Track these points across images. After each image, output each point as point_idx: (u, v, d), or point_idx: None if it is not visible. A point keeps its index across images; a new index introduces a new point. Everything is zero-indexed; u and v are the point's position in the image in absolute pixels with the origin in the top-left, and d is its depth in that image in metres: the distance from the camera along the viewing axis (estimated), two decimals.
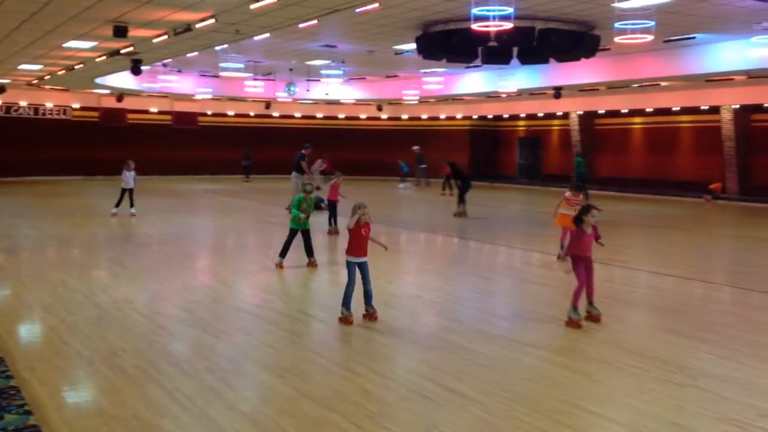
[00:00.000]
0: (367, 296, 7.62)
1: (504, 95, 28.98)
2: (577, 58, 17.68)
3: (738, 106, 26.23)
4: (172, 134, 35.09)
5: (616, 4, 13.19)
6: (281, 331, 7.43)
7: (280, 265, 10.71)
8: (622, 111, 30.51)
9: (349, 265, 7.57)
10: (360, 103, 35.37)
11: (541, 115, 34.45)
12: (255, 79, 27.62)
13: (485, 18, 12.41)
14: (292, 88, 29.17)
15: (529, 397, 5.46)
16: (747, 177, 26.75)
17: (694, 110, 28.03)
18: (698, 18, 15.33)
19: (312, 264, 10.87)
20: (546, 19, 15.35)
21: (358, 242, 7.52)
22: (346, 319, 7.49)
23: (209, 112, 36.11)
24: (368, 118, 38.60)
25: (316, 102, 34.80)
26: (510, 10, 12.36)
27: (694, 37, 17.86)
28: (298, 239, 10.78)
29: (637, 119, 31.07)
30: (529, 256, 13.34)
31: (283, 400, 5.34)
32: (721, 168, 27.11)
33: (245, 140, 35.39)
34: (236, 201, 23.77)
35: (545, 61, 18.27)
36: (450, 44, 16.18)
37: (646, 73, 21.19)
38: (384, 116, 38.02)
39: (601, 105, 30.75)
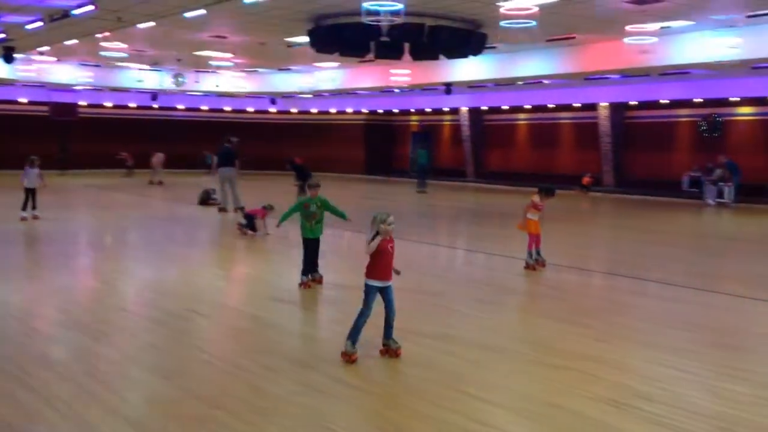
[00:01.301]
0: (389, 328, 6.23)
1: (397, 90, 29.36)
2: (466, 55, 18.18)
3: (613, 103, 27.80)
4: (49, 126, 33.17)
5: (501, 4, 13.65)
6: (166, 330, 7.20)
7: (306, 285, 8.89)
8: (508, 107, 31.65)
9: (370, 291, 6.10)
10: (252, 95, 34.79)
11: (429, 110, 35.19)
12: (141, 70, 26.59)
13: (376, 13, 12.53)
14: (180, 79, 28.28)
15: (417, 385, 5.56)
16: (622, 171, 28.42)
17: (574, 107, 29.46)
18: (577, 18, 16.12)
19: (317, 281, 9.04)
20: (435, 17, 15.67)
21: (384, 261, 6.09)
22: (349, 357, 6.00)
23: (89, 103, 34.40)
24: (258, 111, 38.00)
25: (207, 94, 33.91)
26: (400, 6, 12.54)
27: (573, 37, 18.77)
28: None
29: (522, 115, 32.32)
30: (422, 249, 13.60)
31: (168, 402, 5.18)
32: (598, 162, 28.66)
33: (129, 132, 34.03)
34: (119, 196, 22.81)
35: (435, 57, 18.65)
36: (342, 38, 16.22)
37: (530, 71, 22.09)
38: (275, 109, 37.56)
39: (490, 101, 31.75)
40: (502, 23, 14.97)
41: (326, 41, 16.82)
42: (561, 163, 30.68)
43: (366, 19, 13.67)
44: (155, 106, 34.46)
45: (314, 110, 37.99)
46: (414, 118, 37.50)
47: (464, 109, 33.25)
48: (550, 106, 30.03)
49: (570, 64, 20.68)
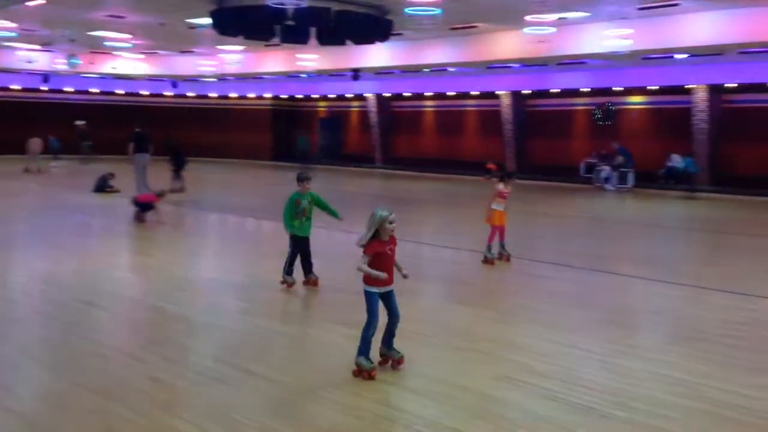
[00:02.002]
0: (391, 336, 5.60)
1: (304, 75, 29.05)
2: (372, 42, 18.20)
3: (514, 92, 28.58)
4: None
5: None
6: (59, 322, 6.85)
7: (289, 285, 8.25)
8: (415, 94, 31.97)
9: (372, 298, 5.41)
10: (152, 78, 33.51)
11: (337, 96, 35.07)
12: (31, 50, 25.09)
13: None
14: (73, 60, 26.88)
15: (327, 372, 5.54)
16: (524, 157, 29.33)
17: (477, 95, 30.11)
18: (479, 8, 16.43)
19: (312, 282, 8.32)
20: (342, 1, 15.58)
21: (384, 266, 5.40)
22: (368, 373, 5.32)
23: None
24: (154, 95, 36.67)
25: (103, 76, 32.39)
26: None
27: (475, 26, 19.14)
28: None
29: (429, 102, 32.76)
30: (331, 235, 13.55)
31: (61, 395, 4.94)
32: (501, 149, 29.46)
33: (11, 117, 32.09)
34: (7, 184, 21.52)
35: (342, 42, 18.56)
36: (246, 21, 15.85)
37: (435, 59, 22.38)
38: (173, 93, 36.32)
39: (397, 88, 31.96)
40: (407, 10, 15.06)
41: (230, 24, 16.40)
42: (466, 150, 31.33)
43: (271, 2, 13.40)
44: (44, 88, 32.58)
45: (215, 95, 37.04)
46: (322, 104, 37.28)
47: (371, 95, 33.33)
48: (455, 93, 30.55)
49: (472, 52, 21.09)
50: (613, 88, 25.87)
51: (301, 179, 8.14)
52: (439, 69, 25.39)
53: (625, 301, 8.46)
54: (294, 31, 16.22)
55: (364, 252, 5.34)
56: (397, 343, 6.59)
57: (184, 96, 36.99)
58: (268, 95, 36.64)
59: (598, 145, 25.93)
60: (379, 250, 5.33)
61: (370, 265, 5.32)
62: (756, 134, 23.05)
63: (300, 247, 8.16)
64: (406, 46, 22.30)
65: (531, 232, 14.42)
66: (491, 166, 28.10)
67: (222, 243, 12.69)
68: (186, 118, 36.31)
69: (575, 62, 22.21)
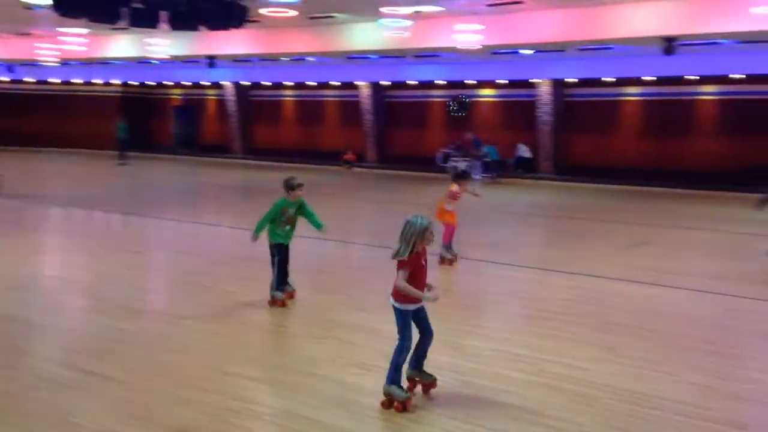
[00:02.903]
0: (423, 358, 4.98)
1: (157, 61, 27.78)
2: (227, 28, 17.70)
3: (372, 83, 28.95)
4: None
5: None
6: None
7: (282, 303, 7.21)
8: (274, 83, 31.55)
9: (404, 316, 4.80)
10: None
11: (192, 83, 33.90)
12: None
13: None
14: None
15: (174, 369, 5.36)
16: (383, 147, 29.84)
17: (337, 85, 30.23)
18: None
19: (290, 295, 7.39)
20: None
21: (420, 279, 4.82)
22: (403, 405, 4.68)
23: None
24: None
25: None
26: None
27: (333, 16, 19.16)
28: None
29: (288, 92, 32.45)
30: (183, 228, 13.11)
31: None
32: (362, 139, 29.79)
33: None
34: None
35: (195, 28, 17.90)
36: (90, 2, 14.89)
37: (293, 48, 22.18)
38: (9, 78, 33.50)
39: (255, 76, 31.37)
40: None
41: (72, 5, 15.31)
42: (327, 140, 31.38)
43: None
44: None
45: (57, 80, 34.57)
46: (176, 91, 35.87)
47: (229, 83, 32.51)
48: (315, 83, 30.48)
49: (331, 42, 21.11)
50: (466, 81, 26.88)
51: (295, 186, 7.17)
52: (299, 58, 25.21)
53: (476, 284, 8.85)
54: (142, 14, 15.43)
55: (400, 267, 4.70)
56: (250, 333, 6.47)
57: (21, 81, 34.23)
58: (116, 81, 34.69)
59: (453, 136, 26.86)
60: (417, 264, 4.75)
61: (401, 275, 4.71)
62: (592, 126, 24.85)
63: (283, 255, 7.26)
64: (263, 33, 21.92)
65: (391, 220, 14.68)
66: (350, 156, 28.39)
67: (66, 239, 11.91)
68: (25, 105, 33.64)
69: (430, 55, 22.84)
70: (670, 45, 16.53)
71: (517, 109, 26.41)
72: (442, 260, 9.50)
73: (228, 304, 7.31)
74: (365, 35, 20.05)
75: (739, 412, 4.81)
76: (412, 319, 4.85)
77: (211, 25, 17.34)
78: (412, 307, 4.81)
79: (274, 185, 20.92)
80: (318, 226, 7.51)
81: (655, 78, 22.79)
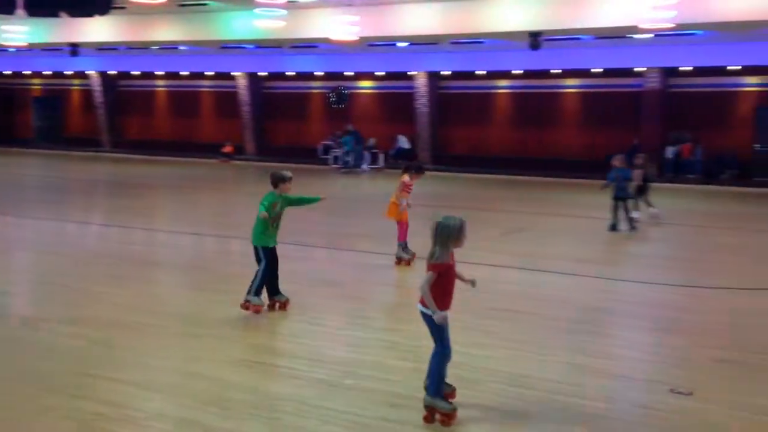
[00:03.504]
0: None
1: (13, 49, 25.81)
2: (90, 15, 16.72)
3: (250, 73, 28.35)
4: None
5: None
6: None
7: (256, 309, 6.59)
8: (144, 72, 30.19)
9: (446, 323, 4.49)
10: None
11: (53, 73, 31.83)
12: None
13: None
14: None
15: (40, 375, 5.00)
16: (263, 139, 29.34)
17: (213, 75, 29.36)
18: None
19: (282, 305, 6.79)
20: None
21: (449, 283, 4.50)
22: (449, 417, 4.37)
23: None
24: None
25: None
26: None
27: (206, 4, 18.55)
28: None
29: (160, 82, 31.16)
30: (46, 226, 12.27)
31: None
32: (240, 131, 29.14)
33: None
34: None
35: (54, 14, 16.77)
36: None
37: (163, 36, 21.29)
38: None
39: (123, 65, 29.87)
40: None
41: None
42: (203, 132, 30.45)
43: None
44: None
45: None
46: (36, 81, 33.52)
47: (94, 73, 30.76)
48: (189, 73, 29.45)
49: (204, 31, 20.44)
50: (345, 73, 26.89)
51: (286, 179, 6.78)
52: (170, 47, 24.21)
53: (358, 275, 8.85)
54: None
55: (432, 269, 4.39)
56: (122, 335, 6.18)
57: None
58: None
59: (334, 127, 26.82)
60: (450, 266, 4.44)
61: (437, 284, 4.40)
62: (467, 117, 25.62)
63: (276, 258, 6.74)
64: (131, 20, 20.86)
65: None
66: (228, 148, 27.70)
67: None
68: None
69: (308, 45, 22.64)
70: (536, 40, 17.27)
71: (396, 101, 26.75)
72: (399, 261, 9.07)
73: (98, 306, 6.90)
74: (240, 24, 19.57)
75: (605, 386, 5.09)
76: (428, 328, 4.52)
77: (73, 11, 16.31)
78: (445, 312, 4.47)
79: (143, 179, 20.06)
80: (315, 200, 7.25)
81: (523, 71, 23.75)
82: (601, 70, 22.47)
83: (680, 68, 21.58)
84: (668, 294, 7.95)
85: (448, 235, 4.36)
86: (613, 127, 22.96)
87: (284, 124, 28.96)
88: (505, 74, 24.42)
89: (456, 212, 14.11)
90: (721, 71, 21.19)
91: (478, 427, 4.41)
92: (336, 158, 25.44)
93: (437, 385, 4.42)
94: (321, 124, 28.23)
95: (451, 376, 5.15)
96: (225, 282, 8.17)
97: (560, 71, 23.20)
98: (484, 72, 24.49)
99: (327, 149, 26.04)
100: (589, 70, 22.71)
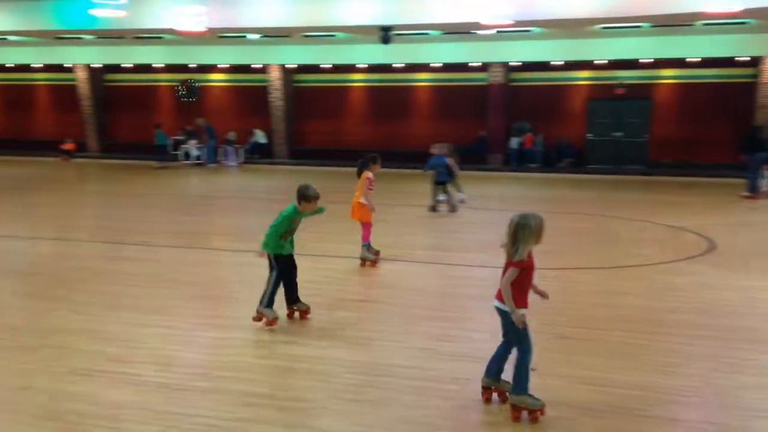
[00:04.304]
0: (503, 367, 4.65)
1: None
2: None
3: (90, 66, 26.68)
4: None
5: None
6: None
7: (271, 322, 6.12)
8: None
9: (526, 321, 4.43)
10: None
11: None
12: None
13: None
14: None
15: None
16: (106, 135, 27.72)
17: (52, 68, 27.35)
18: None
19: (304, 313, 6.45)
20: None
21: (528, 281, 4.47)
22: (539, 412, 4.37)
23: None
24: None
25: None
26: None
27: None
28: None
29: None
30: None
31: None
32: (81, 126, 27.36)
33: None
34: None
35: None
36: None
37: None
38: None
39: None
40: None
41: None
42: (39, 128, 28.31)
43: None
44: None
45: None
46: None
47: None
48: (15, 65, 27.21)
49: (33, 20, 18.96)
50: (195, 65, 25.96)
51: (312, 198, 6.40)
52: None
53: (214, 274, 8.57)
54: None
55: (514, 266, 4.35)
56: None
57: None
58: None
59: (184, 122, 25.84)
60: (531, 264, 4.39)
61: (517, 283, 4.37)
62: (322, 111, 25.63)
63: (288, 266, 6.37)
64: None
65: (111, 213, 13.68)
66: (68, 145, 25.94)
67: None
68: None
69: (154, 37, 21.63)
70: (386, 34, 17.58)
71: (250, 95, 26.22)
72: (364, 262, 8.78)
73: None
74: (75, 14, 18.31)
75: (459, 369, 5.24)
76: (504, 325, 4.51)
77: None
78: (524, 310, 4.42)
79: None
80: (321, 210, 6.76)
81: (374, 65, 24.07)
82: (449, 64, 23.23)
83: (520, 63, 22.81)
84: None
85: (529, 232, 4.33)
86: (462, 119, 23.87)
87: (129, 119, 27.53)
88: (358, 68, 24.66)
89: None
90: (556, 66, 22.65)
91: (333, 419, 4.39)
92: (187, 154, 24.58)
93: (525, 383, 4.37)
94: (171, 118, 27.11)
95: (300, 371, 5.12)
96: (62, 288, 7.61)
97: (410, 65, 23.75)
98: (336, 65, 24.57)
99: (177, 145, 25.06)
100: (437, 64, 23.44)
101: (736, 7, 14.61)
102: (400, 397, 4.69)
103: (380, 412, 4.47)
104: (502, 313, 4.47)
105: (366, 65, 24.23)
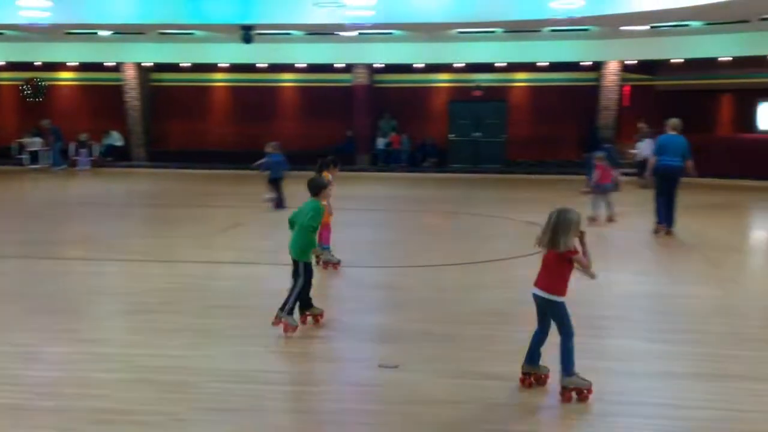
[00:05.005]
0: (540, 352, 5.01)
1: None
2: None
3: None
4: None
5: None
6: None
7: (293, 328, 5.99)
8: None
9: (564, 307, 4.81)
10: None
11: None
12: None
13: None
14: None
15: None
16: None
17: None
18: None
19: (317, 318, 6.31)
20: None
21: (570, 272, 4.84)
22: (586, 392, 4.71)
23: None
24: None
25: None
26: None
27: None
28: None
29: None
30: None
31: None
32: None
33: None
34: None
35: None
36: None
37: None
38: None
39: None
40: None
41: None
42: None
43: None
44: None
45: None
46: None
47: None
48: None
49: None
50: (40, 63, 24.19)
51: (326, 185, 6.45)
52: None
53: (64, 285, 8.01)
54: None
55: (572, 255, 4.72)
56: None
57: None
58: None
59: (30, 123, 24.04)
60: (574, 252, 4.75)
61: (560, 273, 4.78)
62: (183, 111, 24.77)
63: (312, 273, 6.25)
64: None
65: None
66: None
67: None
68: None
69: None
70: (247, 34, 17.29)
71: (104, 94, 24.79)
72: (326, 264, 8.56)
73: None
74: None
75: (319, 370, 5.23)
76: (541, 313, 4.91)
77: None
78: (563, 298, 4.80)
79: None
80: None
81: (237, 64, 23.53)
82: (313, 64, 23.15)
83: (384, 65, 23.19)
84: (380, 275, 8.49)
85: (571, 225, 4.68)
86: (329, 120, 23.92)
87: None
88: (220, 67, 24.05)
89: (174, 210, 13.77)
90: (418, 69, 23.23)
91: (196, 431, 4.24)
92: (33, 158, 22.91)
93: (572, 365, 4.70)
94: (15, 119, 25.17)
95: (156, 383, 4.90)
96: None
97: (274, 65, 23.45)
98: (197, 64, 23.77)
99: (22, 147, 23.29)
100: (302, 64, 23.32)
101: (578, 14, 15.66)
102: (266, 404, 4.62)
103: (244, 421, 4.38)
104: (544, 302, 4.81)
105: (228, 64, 23.66)
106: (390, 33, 20.10)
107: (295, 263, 6.16)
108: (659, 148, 11.15)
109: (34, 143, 23.05)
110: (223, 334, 6.07)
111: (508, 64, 22.36)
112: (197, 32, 20.01)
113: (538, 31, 19.35)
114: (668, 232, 11.01)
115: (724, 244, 10.54)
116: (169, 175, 21.64)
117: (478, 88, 23.43)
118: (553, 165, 22.39)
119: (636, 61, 21.67)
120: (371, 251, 10.02)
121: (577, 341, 4.73)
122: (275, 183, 13.55)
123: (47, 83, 25.17)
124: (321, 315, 6.36)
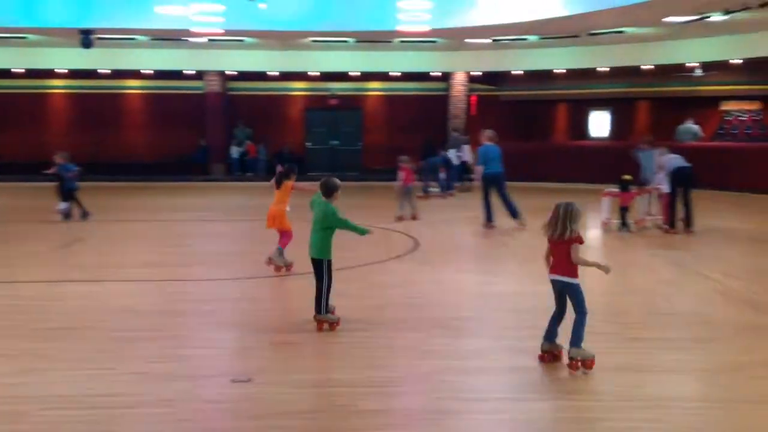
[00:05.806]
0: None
1: None
2: None
3: None
4: None
5: None
6: None
7: (334, 324, 6.27)
8: None
9: (581, 289, 5.35)
10: None
11: None
12: None
13: None
14: None
15: None
16: None
17: None
18: None
19: (334, 325, 6.29)
20: None
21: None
22: (591, 362, 5.26)
23: None
24: None
25: None
26: None
27: None
28: None
29: None
30: None
31: None
32: None
33: None
34: None
35: None
36: None
37: None
38: None
39: None
40: None
41: None
42: None
43: None
44: None
45: None
46: None
47: None
48: None
49: None
50: None
51: (339, 187, 6.43)
52: None
53: None
54: None
55: (577, 242, 5.25)
56: None
57: None
58: None
59: None
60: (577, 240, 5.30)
61: (572, 260, 5.28)
62: (16, 121, 22.99)
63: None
64: None
65: None
66: None
67: None
68: None
69: None
70: (86, 38, 16.35)
71: None
72: (279, 268, 8.66)
73: None
74: None
75: (169, 390, 4.98)
76: (559, 295, 5.39)
77: None
78: (578, 280, 5.31)
79: None
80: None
81: (77, 70, 22.12)
82: (161, 71, 22.28)
83: (237, 72, 22.76)
84: (232, 288, 8.28)
85: (575, 216, 5.25)
86: (180, 129, 23.13)
87: None
88: (57, 73, 22.53)
89: (6, 227, 12.68)
90: (273, 77, 23.02)
91: None
92: None
93: (581, 339, 5.20)
94: None
95: None
96: None
97: (118, 71, 22.31)
98: (31, 70, 22.13)
99: None
100: (149, 71, 22.37)
101: (425, 27, 16.21)
102: (112, 429, 4.34)
103: None
104: (564, 285, 5.31)
105: (67, 70, 22.20)
106: (241, 40, 19.77)
107: (319, 263, 6.32)
108: (484, 158, 12.38)
109: None
110: (60, 357, 5.64)
111: (362, 73, 22.71)
112: (30, 36, 18.61)
113: (389, 41, 19.81)
114: (491, 227, 12.40)
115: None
116: (4, 188, 19.96)
117: (333, 96, 23.60)
118: None
119: (481, 73, 22.76)
120: (222, 263, 9.76)
121: (434, 342, 4.83)
122: (70, 193, 13.43)
123: None
124: (338, 323, 6.34)
